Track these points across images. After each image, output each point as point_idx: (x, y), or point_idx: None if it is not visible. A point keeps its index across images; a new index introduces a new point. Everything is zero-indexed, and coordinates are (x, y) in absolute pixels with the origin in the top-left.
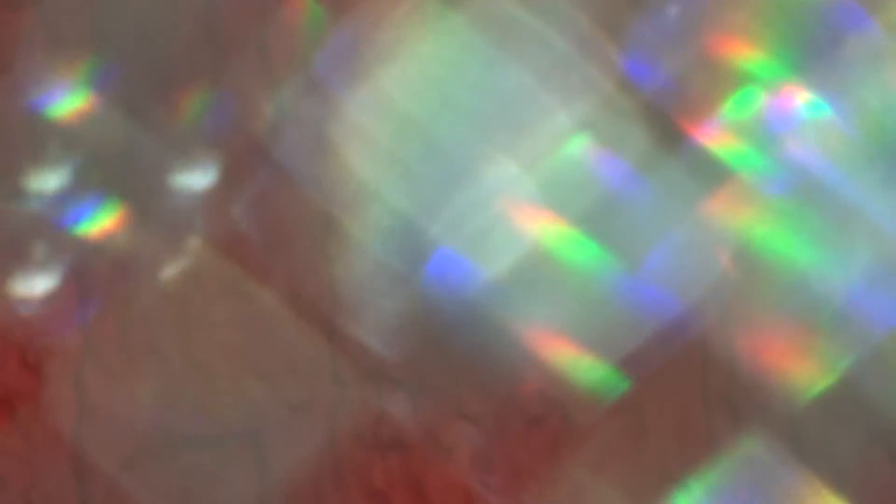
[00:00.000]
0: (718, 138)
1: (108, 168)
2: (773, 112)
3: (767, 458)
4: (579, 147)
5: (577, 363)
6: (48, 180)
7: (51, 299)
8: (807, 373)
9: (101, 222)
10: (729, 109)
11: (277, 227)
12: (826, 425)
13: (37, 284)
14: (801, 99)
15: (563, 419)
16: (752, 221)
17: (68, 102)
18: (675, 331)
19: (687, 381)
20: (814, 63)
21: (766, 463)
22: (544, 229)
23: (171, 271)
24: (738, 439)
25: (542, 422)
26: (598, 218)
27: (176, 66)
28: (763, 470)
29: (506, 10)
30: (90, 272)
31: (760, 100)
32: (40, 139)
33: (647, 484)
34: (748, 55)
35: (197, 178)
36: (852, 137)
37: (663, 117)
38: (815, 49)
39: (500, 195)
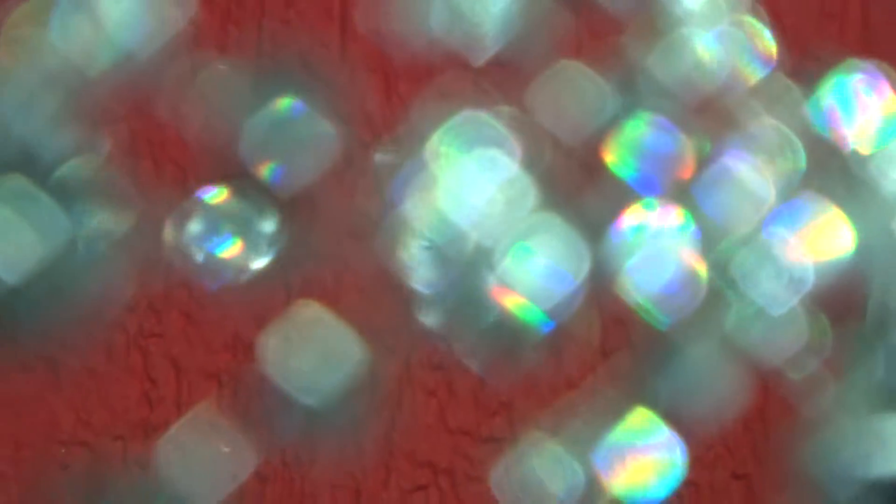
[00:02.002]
0: None
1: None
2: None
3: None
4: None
5: (525, 309)
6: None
7: (266, 291)
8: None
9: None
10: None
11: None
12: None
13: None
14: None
15: (520, 354)
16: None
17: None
18: (572, 296)
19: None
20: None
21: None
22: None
23: (323, 277)
24: (610, 377)
25: (510, 353)
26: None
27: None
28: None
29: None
30: (291, 280)
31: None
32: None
33: (563, 394)
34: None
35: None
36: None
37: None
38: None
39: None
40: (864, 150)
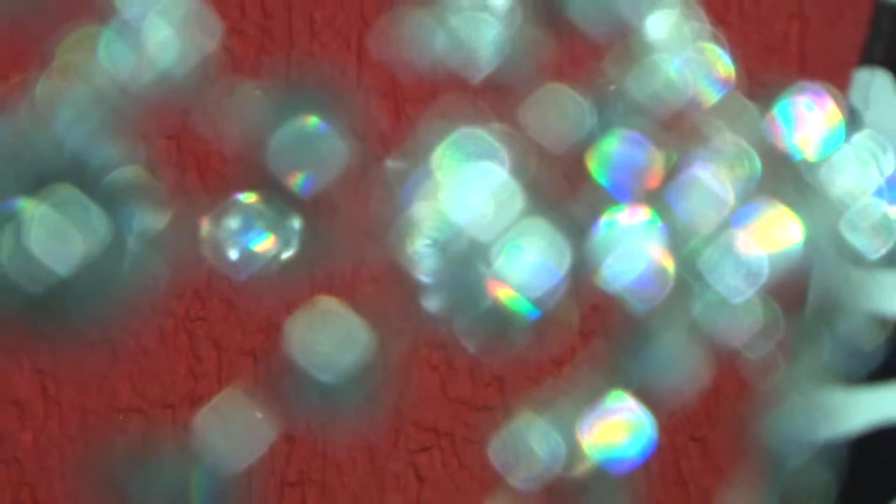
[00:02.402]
0: None
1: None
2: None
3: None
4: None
5: (515, 298)
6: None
7: (294, 282)
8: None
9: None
10: None
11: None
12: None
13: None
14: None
15: (510, 336)
16: None
17: None
18: (555, 287)
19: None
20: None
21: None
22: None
23: (343, 270)
24: (587, 356)
25: (501, 335)
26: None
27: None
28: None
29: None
30: (315, 272)
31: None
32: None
33: (547, 369)
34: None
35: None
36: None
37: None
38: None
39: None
40: (811, 158)
